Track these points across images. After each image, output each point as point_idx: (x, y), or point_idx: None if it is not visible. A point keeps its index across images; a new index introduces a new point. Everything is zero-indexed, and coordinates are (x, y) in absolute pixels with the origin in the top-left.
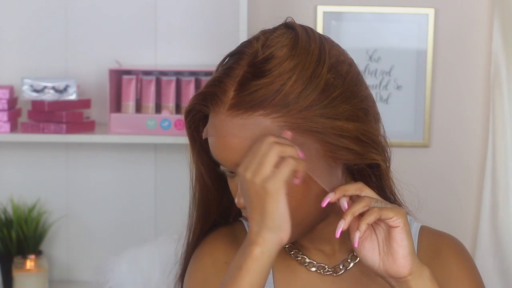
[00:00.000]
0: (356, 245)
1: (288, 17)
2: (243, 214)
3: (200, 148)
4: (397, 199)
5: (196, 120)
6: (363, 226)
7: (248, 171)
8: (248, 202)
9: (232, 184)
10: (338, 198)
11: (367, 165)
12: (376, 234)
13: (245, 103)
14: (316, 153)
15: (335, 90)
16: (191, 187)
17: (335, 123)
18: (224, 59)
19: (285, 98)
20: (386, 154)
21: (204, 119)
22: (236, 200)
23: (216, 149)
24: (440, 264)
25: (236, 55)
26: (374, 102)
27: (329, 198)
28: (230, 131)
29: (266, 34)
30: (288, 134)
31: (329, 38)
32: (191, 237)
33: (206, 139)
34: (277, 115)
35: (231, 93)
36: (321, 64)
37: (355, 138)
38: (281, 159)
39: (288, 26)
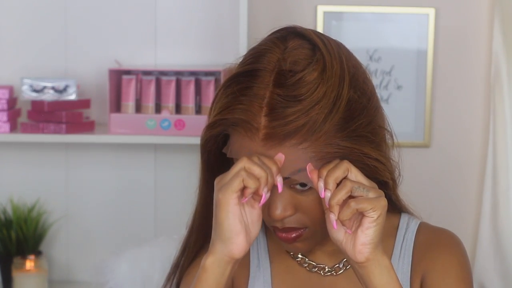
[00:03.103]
0: (335, 227)
1: (305, 28)
2: (269, 224)
3: (214, 166)
4: (403, 209)
5: (214, 143)
6: (343, 222)
7: (217, 178)
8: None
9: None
10: (334, 189)
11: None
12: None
13: (279, 133)
14: None
15: (357, 108)
16: (196, 208)
17: (359, 148)
18: (232, 80)
19: (314, 125)
20: (395, 175)
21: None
22: (275, 212)
23: None
24: (432, 256)
25: (250, 73)
26: (384, 116)
27: (328, 196)
28: None
29: (279, 45)
30: (281, 156)
31: (341, 43)
32: (187, 254)
33: (222, 155)
34: (307, 144)
35: (261, 119)
36: (342, 83)
37: (374, 160)
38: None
39: (303, 36)
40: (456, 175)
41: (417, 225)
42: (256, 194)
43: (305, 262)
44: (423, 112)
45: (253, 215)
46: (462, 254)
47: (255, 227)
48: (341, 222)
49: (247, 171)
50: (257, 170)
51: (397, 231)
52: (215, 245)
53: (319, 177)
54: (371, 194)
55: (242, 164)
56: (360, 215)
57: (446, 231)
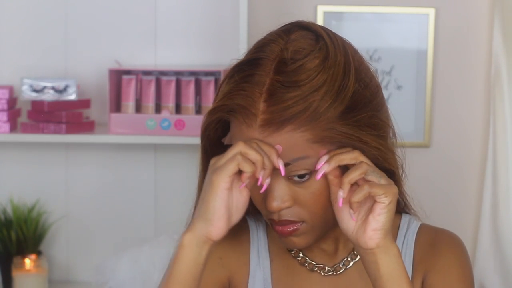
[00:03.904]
0: (340, 204)
1: (310, 21)
2: (266, 217)
3: (212, 149)
4: (407, 203)
5: (213, 129)
6: (354, 205)
7: (213, 159)
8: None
9: (254, 188)
10: (333, 168)
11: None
12: (359, 204)
13: (277, 118)
14: None
15: (362, 101)
16: (196, 201)
17: (358, 135)
18: (235, 69)
19: (315, 113)
20: (399, 170)
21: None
22: (272, 204)
23: None
24: (433, 256)
25: (253, 61)
26: (389, 115)
27: (324, 169)
28: None
29: (282, 36)
30: (279, 148)
31: (347, 40)
32: None
33: (222, 145)
34: (305, 128)
35: (260, 105)
36: (347, 75)
37: (374, 149)
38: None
39: (308, 28)
40: (456, 175)
41: (418, 226)
42: (252, 179)
43: (306, 262)
44: (423, 112)
45: (240, 201)
46: (463, 254)
47: (239, 213)
48: (350, 204)
49: (243, 156)
50: (253, 155)
51: (398, 231)
52: (195, 223)
53: (327, 155)
54: (383, 181)
55: (238, 148)
56: (371, 202)
57: (447, 232)
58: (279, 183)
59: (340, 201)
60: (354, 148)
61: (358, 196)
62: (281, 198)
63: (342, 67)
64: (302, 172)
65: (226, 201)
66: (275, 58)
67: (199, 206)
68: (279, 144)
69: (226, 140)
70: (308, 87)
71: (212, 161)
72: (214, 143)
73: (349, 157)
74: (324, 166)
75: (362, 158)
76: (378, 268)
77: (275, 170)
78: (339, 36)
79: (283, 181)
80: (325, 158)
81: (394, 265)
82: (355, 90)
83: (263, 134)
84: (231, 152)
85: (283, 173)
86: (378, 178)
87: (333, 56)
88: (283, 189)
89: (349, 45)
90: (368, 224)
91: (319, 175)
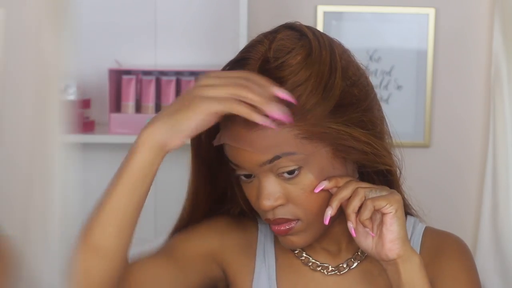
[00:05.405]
0: (354, 234)
1: (296, 21)
2: (263, 217)
3: (204, 155)
4: (407, 203)
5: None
6: (365, 223)
7: (206, 79)
8: (178, 97)
9: (248, 189)
10: (332, 187)
11: (378, 172)
12: (371, 220)
13: (262, 113)
14: (326, 155)
15: (351, 100)
16: (187, 196)
17: (348, 131)
18: (224, 69)
19: (302, 109)
20: (396, 168)
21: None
22: (264, 203)
23: (234, 157)
24: (440, 262)
25: (240, 61)
26: (382, 114)
27: (329, 213)
28: (249, 143)
29: (268, 37)
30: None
31: (335, 39)
32: (177, 224)
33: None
34: (292, 125)
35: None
36: (334, 72)
37: (365, 144)
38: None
39: (293, 28)
40: (456, 175)
41: (423, 228)
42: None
43: (309, 261)
44: (423, 112)
45: (204, 125)
46: (470, 259)
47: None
48: (362, 223)
49: (236, 98)
50: (249, 95)
51: None
52: (160, 125)
53: (326, 180)
54: (384, 192)
55: (233, 90)
56: (380, 215)
57: (453, 236)
58: (270, 182)
59: (353, 231)
60: (345, 145)
61: (365, 214)
62: (273, 196)
63: (327, 64)
64: (291, 168)
65: (201, 126)
66: (259, 58)
67: (172, 112)
68: (267, 138)
69: (215, 141)
70: (291, 83)
71: (204, 81)
72: (204, 143)
73: (349, 191)
74: (328, 211)
75: (360, 187)
76: (400, 278)
77: (264, 172)
78: (326, 36)
79: (273, 179)
80: (325, 183)
81: (416, 274)
82: (343, 89)
83: (246, 128)
84: (224, 90)
85: (292, 99)
86: (378, 193)
87: (317, 52)
88: (274, 187)
89: (338, 44)
90: (384, 237)
91: (326, 220)
